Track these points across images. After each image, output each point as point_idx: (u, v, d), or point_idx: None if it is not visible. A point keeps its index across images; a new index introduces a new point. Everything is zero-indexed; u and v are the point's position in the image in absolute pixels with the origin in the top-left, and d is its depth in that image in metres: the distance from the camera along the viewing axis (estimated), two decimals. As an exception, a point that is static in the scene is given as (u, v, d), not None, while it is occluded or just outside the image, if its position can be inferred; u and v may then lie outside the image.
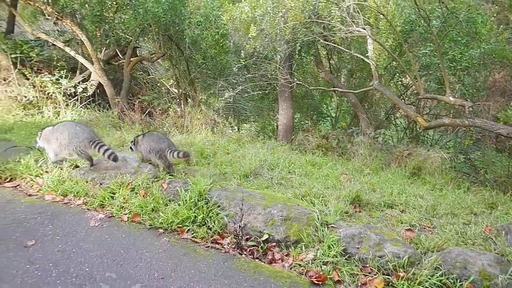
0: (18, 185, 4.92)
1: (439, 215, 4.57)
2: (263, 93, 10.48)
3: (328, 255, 3.49)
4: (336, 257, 3.47)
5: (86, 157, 5.12)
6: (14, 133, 7.30)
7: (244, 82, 10.52)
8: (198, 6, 9.78)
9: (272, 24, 7.21)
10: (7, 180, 4.99)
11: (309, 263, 3.49)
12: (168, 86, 12.41)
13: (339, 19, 7.13)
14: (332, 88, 10.37)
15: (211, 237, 3.91)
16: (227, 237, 3.90)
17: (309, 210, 4.07)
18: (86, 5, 9.12)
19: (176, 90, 11.73)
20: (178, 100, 11.21)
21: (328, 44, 8.86)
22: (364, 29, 7.47)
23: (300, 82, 9.23)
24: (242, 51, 8.66)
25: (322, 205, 4.39)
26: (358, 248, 3.53)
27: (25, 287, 3.10)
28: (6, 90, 9.17)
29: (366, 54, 8.04)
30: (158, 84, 12.67)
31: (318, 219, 3.90)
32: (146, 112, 10.09)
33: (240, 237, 3.80)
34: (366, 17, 8.02)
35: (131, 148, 5.64)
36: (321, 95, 13.07)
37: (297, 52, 8.51)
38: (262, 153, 6.24)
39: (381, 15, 7.95)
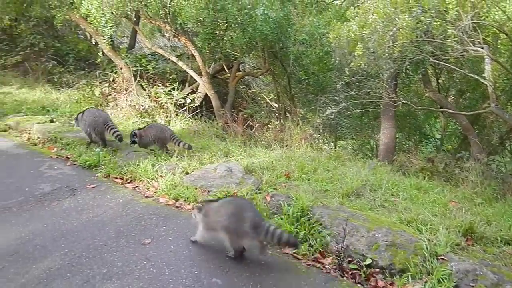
0: (137, 186, 5.44)
1: None
2: (365, 110, 10.27)
3: (438, 289, 3.29)
4: (447, 292, 3.25)
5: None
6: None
7: (344, 99, 10.42)
8: (303, 24, 9.96)
9: (380, 42, 7.05)
10: (128, 181, 5.56)
11: (416, 295, 3.32)
12: (268, 100, 12.76)
13: (455, 38, 6.72)
14: (441, 109, 9.78)
15: (312, 255, 3.92)
16: (328, 257, 3.88)
17: (416, 238, 3.87)
18: (200, 24, 9.79)
19: (276, 105, 12.02)
20: (277, 114, 11.47)
21: (438, 63, 8.40)
22: (482, 48, 6.94)
23: (407, 101, 8.85)
24: (345, 68, 8.60)
25: (430, 233, 4.15)
26: (472, 286, 3.27)
27: (142, 281, 3.40)
28: (127, 99, 10.21)
29: (482, 75, 7.45)
30: (259, 98, 13.10)
31: (427, 248, 3.69)
32: (246, 125, 10.48)
33: (342, 259, 3.75)
34: (483, 35, 7.45)
35: (133, 141, 6.66)
36: (425, 115, 12.43)
37: (404, 71, 8.21)
38: (363, 173, 6.09)
39: (503, 34, 7.32)
